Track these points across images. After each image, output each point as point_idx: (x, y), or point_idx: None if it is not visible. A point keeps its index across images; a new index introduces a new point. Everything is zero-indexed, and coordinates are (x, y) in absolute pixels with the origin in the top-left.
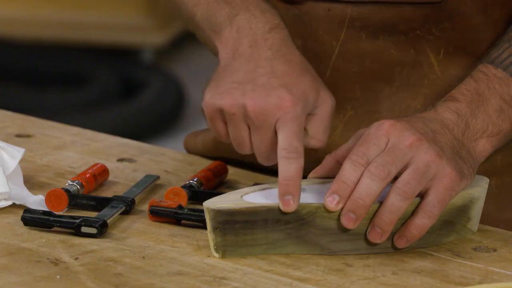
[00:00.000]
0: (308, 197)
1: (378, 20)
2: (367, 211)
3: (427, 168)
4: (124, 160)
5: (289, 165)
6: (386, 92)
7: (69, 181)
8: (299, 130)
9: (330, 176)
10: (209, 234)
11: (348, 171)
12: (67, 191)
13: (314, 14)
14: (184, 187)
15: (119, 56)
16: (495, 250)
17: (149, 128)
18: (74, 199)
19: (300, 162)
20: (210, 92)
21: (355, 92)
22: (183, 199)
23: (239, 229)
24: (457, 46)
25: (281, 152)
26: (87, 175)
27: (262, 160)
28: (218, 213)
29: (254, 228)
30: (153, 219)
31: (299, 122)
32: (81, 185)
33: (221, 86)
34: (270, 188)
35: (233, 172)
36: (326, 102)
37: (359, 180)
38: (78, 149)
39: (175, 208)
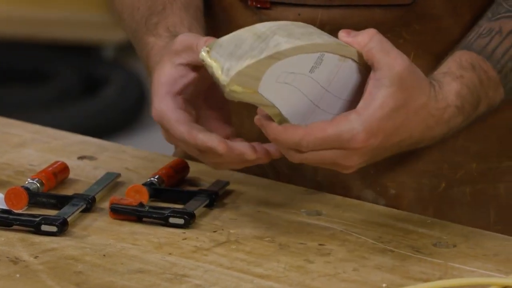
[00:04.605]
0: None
1: (348, 24)
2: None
3: (335, 166)
4: (85, 157)
5: None
6: None
7: (29, 179)
8: None
9: None
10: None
11: (288, 140)
12: (27, 189)
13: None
14: (145, 184)
15: (80, 52)
16: (455, 246)
17: (111, 125)
18: (34, 197)
19: None
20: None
21: None
22: (144, 197)
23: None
24: (426, 49)
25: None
26: (47, 173)
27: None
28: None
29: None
30: (114, 216)
31: None
32: (41, 183)
33: None
34: (324, 52)
35: (195, 169)
36: None
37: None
38: (38, 147)
39: (136, 206)
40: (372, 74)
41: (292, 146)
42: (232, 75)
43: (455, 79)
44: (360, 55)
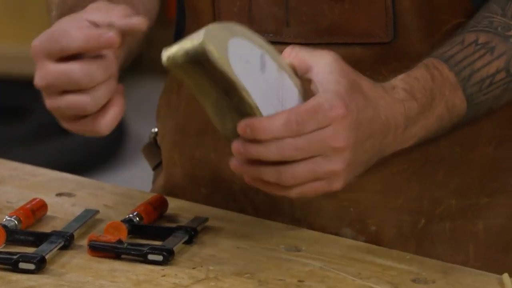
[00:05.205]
0: (262, 88)
1: None
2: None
3: (325, 175)
4: (63, 194)
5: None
6: None
7: (6, 217)
8: None
9: None
10: (184, 43)
11: (277, 126)
12: (4, 226)
13: None
14: (124, 221)
15: None
16: (434, 282)
17: (89, 161)
18: (12, 235)
19: None
20: None
21: None
22: (122, 234)
23: (202, 72)
24: None
25: None
26: (25, 210)
27: None
28: (214, 56)
29: (208, 78)
30: (92, 254)
31: None
32: (19, 220)
33: None
34: (265, 53)
35: (173, 206)
36: None
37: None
38: (16, 183)
39: (114, 243)
40: (311, 75)
41: (281, 131)
42: (203, 33)
43: (401, 74)
44: (292, 68)
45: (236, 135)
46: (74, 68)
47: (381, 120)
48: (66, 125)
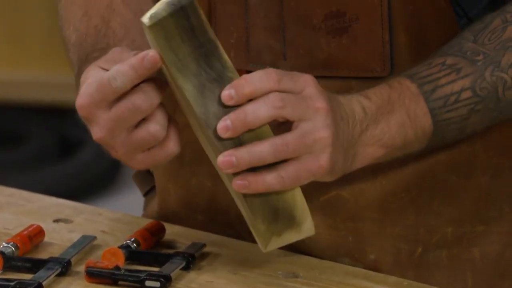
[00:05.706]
0: None
1: None
2: (242, 130)
3: (313, 143)
4: (60, 220)
5: None
6: None
7: (3, 243)
8: None
9: None
10: (161, 4)
11: (257, 76)
12: (1, 253)
13: None
14: (121, 247)
15: (55, 114)
16: None
17: (87, 187)
18: (9, 261)
19: None
20: None
21: None
22: (120, 260)
23: (185, 30)
24: None
25: None
26: (23, 237)
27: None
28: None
29: (189, 40)
30: (89, 280)
31: None
32: (16, 247)
33: None
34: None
35: (171, 232)
36: None
37: (259, 91)
38: (13, 210)
39: (112, 269)
40: None
41: (261, 80)
42: None
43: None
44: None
45: (219, 116)
46: (131, 98)
47: (345, 110)
48: (137, 165)
